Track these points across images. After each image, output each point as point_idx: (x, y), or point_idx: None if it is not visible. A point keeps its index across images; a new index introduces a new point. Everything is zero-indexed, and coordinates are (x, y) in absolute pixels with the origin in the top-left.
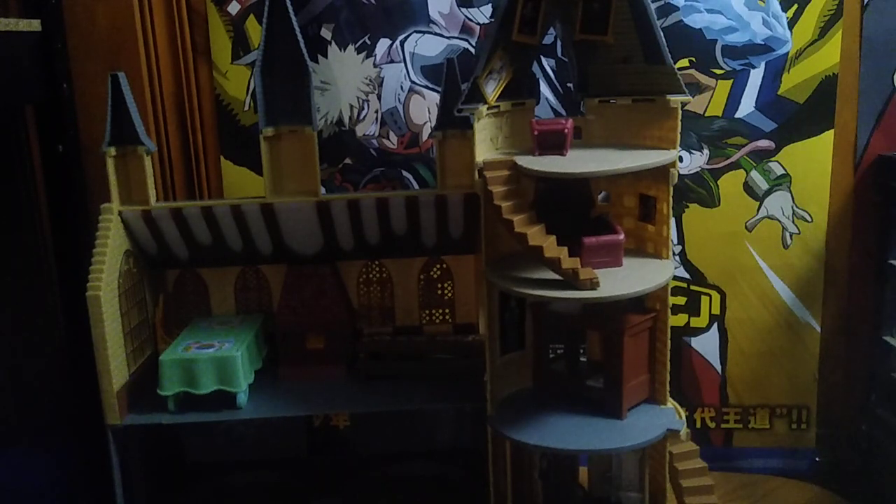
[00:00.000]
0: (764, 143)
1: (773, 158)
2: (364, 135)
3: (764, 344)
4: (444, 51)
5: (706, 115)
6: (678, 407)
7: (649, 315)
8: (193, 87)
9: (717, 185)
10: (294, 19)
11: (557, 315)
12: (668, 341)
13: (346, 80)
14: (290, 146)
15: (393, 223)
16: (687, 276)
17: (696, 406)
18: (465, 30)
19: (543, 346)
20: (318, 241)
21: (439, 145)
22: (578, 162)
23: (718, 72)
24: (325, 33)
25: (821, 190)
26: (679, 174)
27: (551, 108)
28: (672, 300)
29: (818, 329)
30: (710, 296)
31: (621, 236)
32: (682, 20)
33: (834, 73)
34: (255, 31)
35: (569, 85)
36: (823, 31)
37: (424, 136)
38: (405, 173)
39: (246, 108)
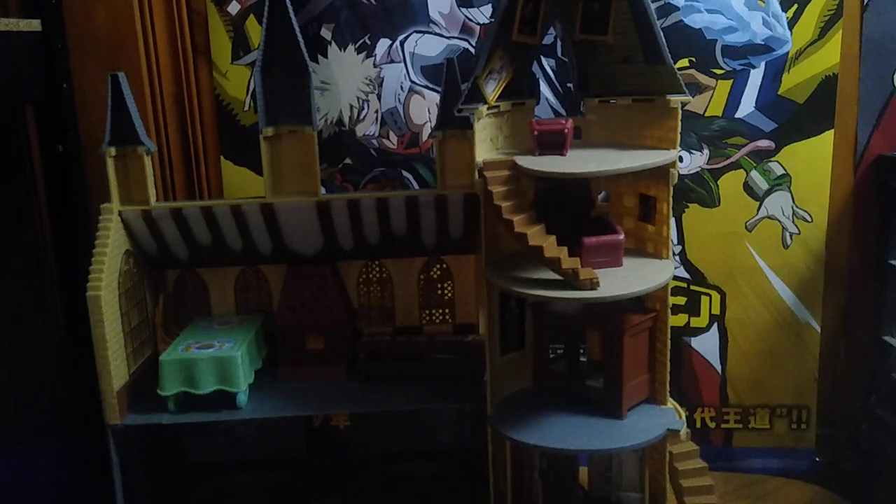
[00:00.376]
0: (764, 143)
1: (773, 158)
2: (364, 135)
3: (764, 344)
4: (444, 51)
5: (706, 115)
6: (678, 407)
7: (649, 315)
8: (193, 87)
9: (717, 185)
10: (294, 19)
11: (557, 315)
12: (668, 341)
13: (346, 80)
14: (290, 146)
15: (393, 223)
16: (687, 276)
17: (696, 406)
18: (465, 30)
19: (543, 346)
20: (318, 241)
21: (439, 145)
22: (578, 162)
23: (718, 72)
24: (325, 33)
25: (821, 190)
26: (679, 174)
27: (551, 108)
28: (672, 300)
29: (818, 329)
30: (710, 296)
31: (621, 236)
32: (682, 20)
33: (834, 73)
34: (255, 31)
35: (569, 85)
36: (823, 31)
37: (424, 136)
38: (405, 173)
39: (246, 108)
